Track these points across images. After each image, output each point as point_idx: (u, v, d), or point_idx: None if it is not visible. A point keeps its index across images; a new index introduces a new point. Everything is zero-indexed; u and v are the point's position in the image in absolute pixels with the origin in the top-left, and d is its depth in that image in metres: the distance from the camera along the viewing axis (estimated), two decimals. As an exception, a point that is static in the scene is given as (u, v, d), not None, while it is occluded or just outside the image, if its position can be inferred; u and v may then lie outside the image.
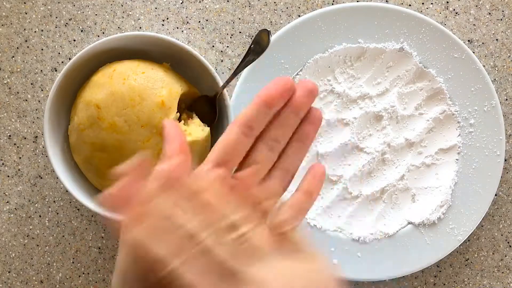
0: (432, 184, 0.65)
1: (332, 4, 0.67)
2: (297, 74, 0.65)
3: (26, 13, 0.66)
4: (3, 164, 0.66)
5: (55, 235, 0.66)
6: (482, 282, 0.67)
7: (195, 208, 0.36)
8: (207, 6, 0.67)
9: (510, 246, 0.67)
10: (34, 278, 0.66)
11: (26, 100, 0.66)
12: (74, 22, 0.66)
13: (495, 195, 0.67)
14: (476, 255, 0.67)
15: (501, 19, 0.67)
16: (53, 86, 0.58)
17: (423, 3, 0.67)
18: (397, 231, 0.65)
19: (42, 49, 0.66)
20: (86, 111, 0.56)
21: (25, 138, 0.66)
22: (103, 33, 0.66)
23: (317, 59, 0.64)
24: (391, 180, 0.65)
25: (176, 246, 0.34)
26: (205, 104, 0.61)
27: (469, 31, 0.67)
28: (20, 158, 0.66)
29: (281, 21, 0.67)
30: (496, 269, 0.67)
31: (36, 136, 0.66)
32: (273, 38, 0.63)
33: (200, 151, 0.59)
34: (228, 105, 0.59)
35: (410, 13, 0.64)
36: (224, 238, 0.35)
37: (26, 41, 0.66)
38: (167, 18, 0.67)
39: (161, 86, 0.57)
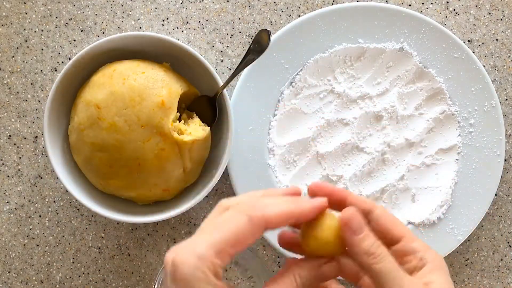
0: (432, 184, 0.65)
1: (332, 4, 0.67)
2: (297, 74, 0.65)
3: (26, 13, 0.66)
4: (3, 164, 0.66)
5: (55, 235, 0.66)
6: (482, 282, 0.67)
7: None
8: (207, 6, 0.67)
9: (510, 246, 0.67)
10: (34, 278, 0.66)
11: (26, 100, 0.66)
12: (74, 22, 0.66)
13: (495, 195, 0.67)
14: (476, 255, 0.67)
15: (501, 19, 0.67)
16: (53, 86, 0.58)
17: (423, 3, 0.67)
18: (397, 231, 0.65)
19: (42, 49, 0.66)
20: (86, 111, 0.56)
21: (25, 138, 0.66)
22: (103, 33, 0.66)
23: (317, 59, 0.64)
24: (391, 180, 0.65)
25: None
26: (205, 104, 0.61)
27: (469, 31, 0.67)
28: (20, 158, 0.66)
29: (281, 21, 0.67)
30: (496, 269, 0.67)
31: (36, 136, 0.66)
32: (273, 38, 0.63)
33: (201, 150, 0.59)
34: (228, 105, 0.59)
35: (410, 13, 0.64)
36: None
37: (26, 41, 0.66)
38: (167, 18, 0.67)
39: (161, 86, 0.57)
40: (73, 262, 0.66)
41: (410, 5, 0.67)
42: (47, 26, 0.66)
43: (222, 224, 0.38)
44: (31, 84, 0.66)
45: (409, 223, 0.65)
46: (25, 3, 0.66)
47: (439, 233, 0.64)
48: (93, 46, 0.58)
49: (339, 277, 0.43)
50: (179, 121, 0.58)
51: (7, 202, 0.66)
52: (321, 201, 0.41)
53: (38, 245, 0.66)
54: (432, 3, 0.67)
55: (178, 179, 0.59)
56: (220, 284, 0.37)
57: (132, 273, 0.66)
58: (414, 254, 0.42)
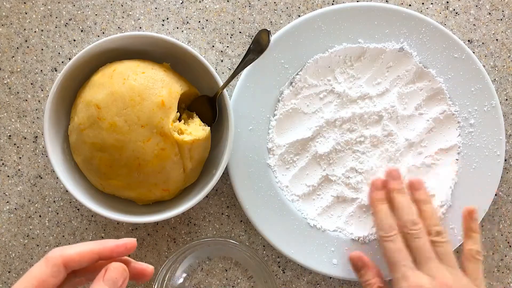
0: (432, 184, 0.65)
1: (332, 4, 0.67)
2: (297, 74, 0.65)
3: (26, 13, 0.66)
4: (3, 164, 0.66)
5: (55, 235, 0.66)
6: (482, 282, 0.67)
7: None
8: (207, 6, 0.67)
9: (510, 246, 0.67)
10: (34, 278, 0.66)
11: (26, 100, 0.66)
12: (74, 22, 0.66)
13: (495, 195, 0.67)
14: (476, 255, 0.67)
15: (501, 19, 0.67)
16: (53, 86, 0.58)
17: (423, 3, 0.67)
18: (397, 231, 0.65)
19: (42, 49, 0.66)
20: (86, 111, 0.56)
21: (25, 138, 0.66)
22: (103, 33, 0.66)
23: (317, 59, 0.64)
24: (391, 180, 0.65)
25: None
26: (205, 104, 0.61)
27: (469, 31, 0.67)
28: (20, 158, 0.66)
29: (281, 21, 0.67)
30: (496, 269, 0.67)
31: (36, 136, 0.66)
32: (273, 38, 0.63)
33: (201, 150, 0.59)
34: (228, 105, 0.59)
35: (410, 13, 0.64)
36: None
37: (26, 41, 0.66)
38: (167, 18, 0.67)
39: (161, 86, 0.57)
40: (73, 262, 0.66)
41: (410, 5, 0.67)
42: (47, 26, 0.66)
43: (27, 272, 0.41)
44: (31, 84, 0.66)
45: (409, 223, 0.65)
46: (25, 3, 0.66)
47: (439, 233, 0.64)
48: (93, 46, 0.58)
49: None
50: (179, 121, 0.58)
51: (7, 202, 0.66)
52: (126, 241, 0.45)
53: (38, 245, 0.66)
54: (432, 3, 0.67)
55: (178, 179, 0.59)
56: None
57: (132, 273, 0.66)
58: None
